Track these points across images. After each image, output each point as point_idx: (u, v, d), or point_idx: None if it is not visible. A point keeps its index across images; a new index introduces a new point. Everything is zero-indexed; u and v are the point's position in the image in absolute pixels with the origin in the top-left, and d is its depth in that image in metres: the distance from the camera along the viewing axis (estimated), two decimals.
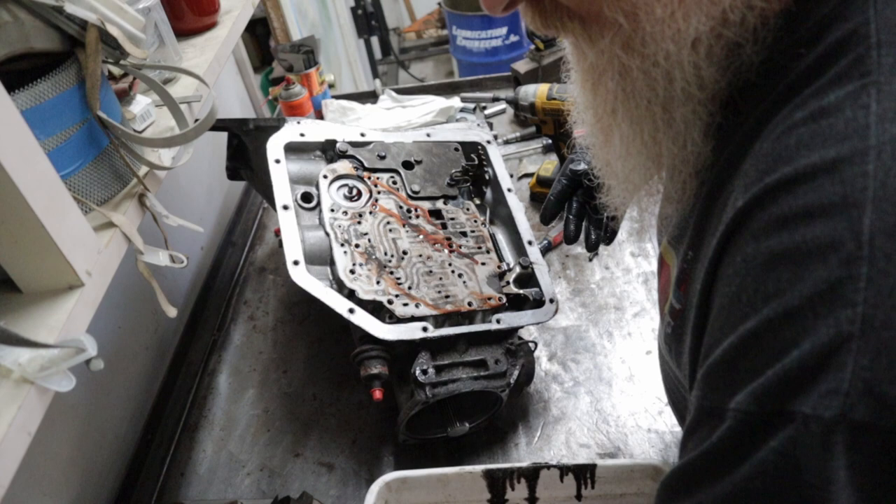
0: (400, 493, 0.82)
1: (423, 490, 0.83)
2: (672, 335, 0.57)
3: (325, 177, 1.01)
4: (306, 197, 1.00)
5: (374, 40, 3.55)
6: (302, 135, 1.05)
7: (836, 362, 0.35)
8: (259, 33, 2.24)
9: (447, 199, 1.08)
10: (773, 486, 0.38)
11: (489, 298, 0.96)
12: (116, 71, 0.88)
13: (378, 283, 0.92)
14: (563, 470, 0.80)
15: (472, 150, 1.14)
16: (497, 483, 0.82)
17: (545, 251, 1.26)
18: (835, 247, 0.36)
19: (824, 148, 0.38)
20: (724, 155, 0.48)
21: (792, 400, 0.36)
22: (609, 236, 0.94)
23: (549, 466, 0.81)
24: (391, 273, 0.95)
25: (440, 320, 0.93)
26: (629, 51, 0.46)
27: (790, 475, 0.37)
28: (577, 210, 0.93)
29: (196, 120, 0.91)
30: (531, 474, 0.81)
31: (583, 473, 0.80)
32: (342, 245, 0.94)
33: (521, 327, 0.97)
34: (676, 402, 0.67)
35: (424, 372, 0.88)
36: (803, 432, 0.36)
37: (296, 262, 0.90)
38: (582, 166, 0.88)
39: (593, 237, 0.93)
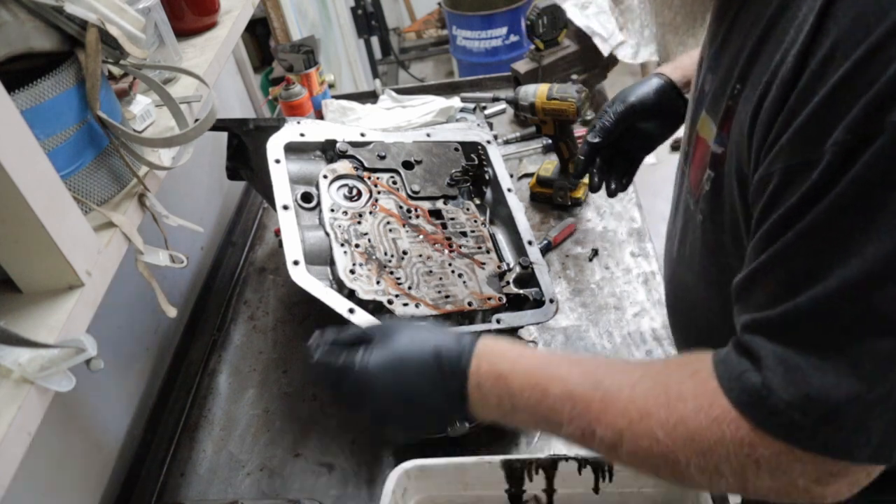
0: (418, 482, 0.82)
1: (442, 479, 0.83)
2: (711, 191, 0.59)
3: (325, 177, 1.01)
4: (306, 197, 1.00)
5: (374, 40, 3.55)
6: (302, 135, 1.04)
7: None
8: (259, 33, 2.24)
9: (447, 199, 1.08)
10: (865, 196, 0.41)
11: (489, 298, 0.96)
12: (116, 71, 0.88)
13: (378, 283, 0.92)
14: (582, 462, 0.81)
15: (472, 150, 1.14)
16: (515, 473, 0.82)
17: (545, 251, 1.26)
18: None
19: None
20: None
21: (883, 116, 0.39)
22: (625, 185, 1.10)
23: (567, 458, 0.81)
24: (391, 273, 0.95)
25: (440, 320, 0.93)
26: None
27: (881, 182, 0.40)
28: (601, 166, 1.08)
29: (196, 120, 0.91)
30: (550, 466, 0.82)
31: (601, 466, 0.81)
32: (342, 245, 0.94)
33: (521, 327, 0.97)
34: (688, 310, 0.70)
35: None
36: (895, 138, 0.39)
37: (296, 262, 0.90)
38: (598, 139, 1.02)
39: (613, 186, 1.09)
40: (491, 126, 1.35)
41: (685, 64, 0.98)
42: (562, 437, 0.58)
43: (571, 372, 0.57)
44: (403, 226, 1.01)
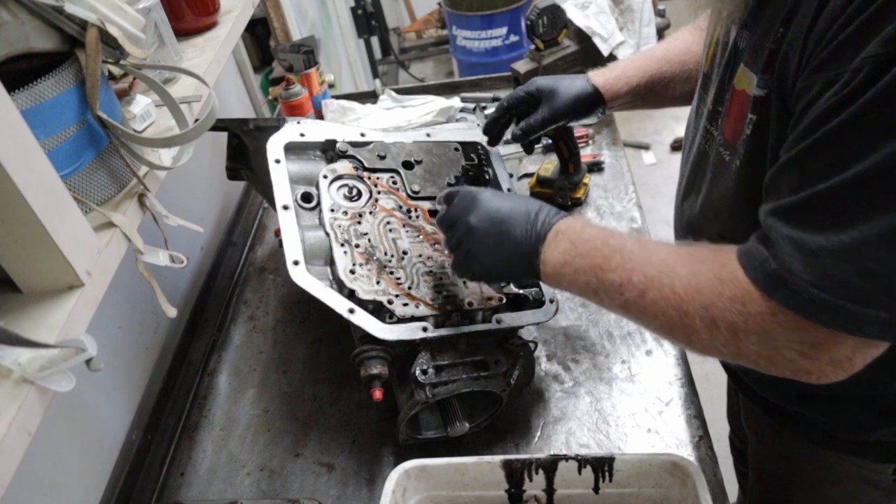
0: (419, 481, 0.83)
1: (442, 478, 0.83)
2: (752, 134, 0.65)
3: (325, 177, 1.01)
4: (306, 197, 1.00)
5: (374, 40, 3.55)
6: (302, 135, 1.04)
7: None
8: (259, 33, 2.24)
9: None
10: (888, 106, 0.46)
11: (489, 298, 0.96)
12: (116, 71, 0.88)
13: (378, 283, 0.92)
14: (582, 462, 0.81)
15: (472, 150, 1.14)
16: (515, 473, 0.82)
17: None
18: None
19: None
20: None
21: None
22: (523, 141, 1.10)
23: (567, 458, 0.81)
24: (391, 273, 0.95)
25: (440, 320, 0.93)
26: None
27: None
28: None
29: (196, 120, 0.91)
30: (549, 465, 0.82)
31: (601, 466, 0.81)
32: (342, 245, 0.94)
33: (521, 327, 0.97)
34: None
35: (424, 372, 0.88)
36: None
37: (296, 262, 0.90)
38: (520, 92, 1.08)
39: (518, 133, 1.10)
40: None
41: (616, 74, 1.04)
42: (606, 282, 0.68)
43: (627, 237, 0.70)
44: (403, 226, 1.01)
